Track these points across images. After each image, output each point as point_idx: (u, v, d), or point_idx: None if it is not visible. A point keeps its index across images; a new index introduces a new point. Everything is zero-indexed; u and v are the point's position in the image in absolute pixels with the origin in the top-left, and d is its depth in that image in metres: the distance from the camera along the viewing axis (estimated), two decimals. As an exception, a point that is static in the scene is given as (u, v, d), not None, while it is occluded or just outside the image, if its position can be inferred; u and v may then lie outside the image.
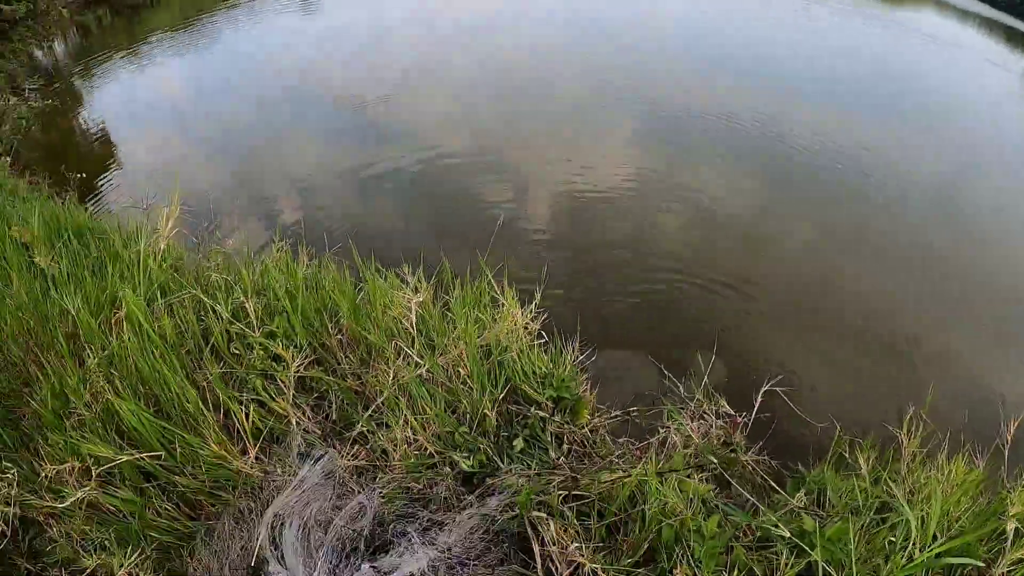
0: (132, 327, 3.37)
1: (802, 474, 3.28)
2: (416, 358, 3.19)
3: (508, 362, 3.38)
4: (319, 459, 2.93)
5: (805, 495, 2.93)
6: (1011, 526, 2.53)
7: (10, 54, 11.09)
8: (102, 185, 8.12)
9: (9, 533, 2.82)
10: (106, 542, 2.74)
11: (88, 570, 2.65)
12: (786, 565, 2.39)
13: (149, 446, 2.95)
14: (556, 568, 2.49)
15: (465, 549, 2.67)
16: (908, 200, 7.81)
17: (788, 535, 2.49)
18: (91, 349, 3.38)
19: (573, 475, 2.85)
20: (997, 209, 7.91)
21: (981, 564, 2.47)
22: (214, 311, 3.49)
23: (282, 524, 2.68)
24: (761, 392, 3.21)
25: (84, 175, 7.60)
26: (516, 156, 8.57)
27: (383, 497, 2.83)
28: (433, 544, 2.65)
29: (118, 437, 3.03)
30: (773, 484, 3.05)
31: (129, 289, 3.66)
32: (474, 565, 2.65)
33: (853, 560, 2.32)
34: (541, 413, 3.21)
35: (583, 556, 2.49)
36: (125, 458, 2.86)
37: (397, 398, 3.10)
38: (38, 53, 12.33)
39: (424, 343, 3.36)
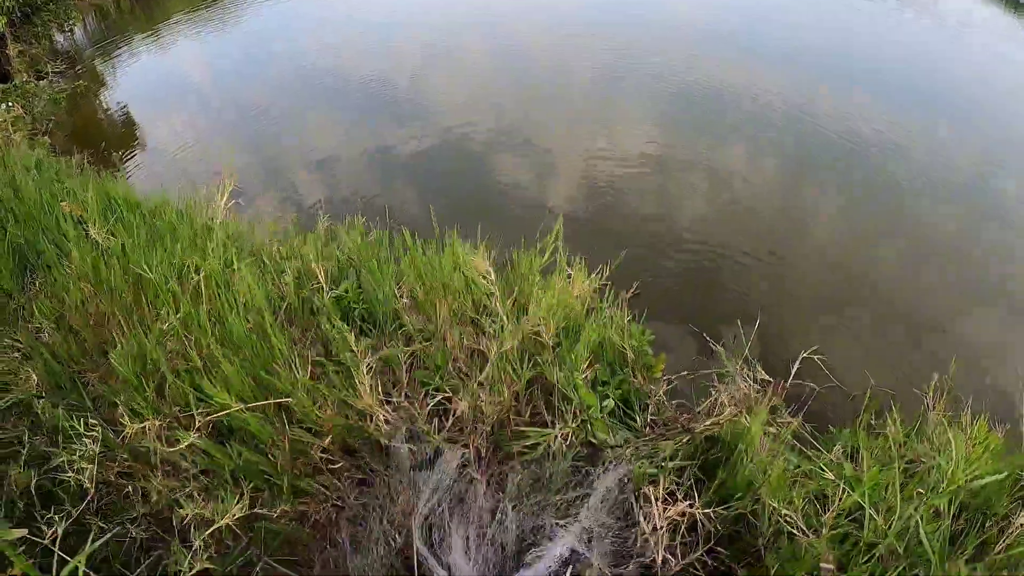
0: (211, 291, 3.54)
1: (834, 434, 3.46)
2: (507, 322, 3.33)
3: (588, 325, 3.51)
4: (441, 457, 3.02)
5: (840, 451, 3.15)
6: None
7: (33, 38, 11.22)
8: (132, 163, 8.25)
9: (93, 491, 2.89)
10: (194, 493, 2.86)
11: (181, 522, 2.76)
12: (838, 499, 2.64)
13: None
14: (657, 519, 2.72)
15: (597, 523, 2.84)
16: (941, 186, 7.77)
17: (835, 478, 2.74)
18: (170, 310, 3.55)
19: (687, 430, 3.04)
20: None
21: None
22: (280, 276, 3.65)
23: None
24: (799, 360, 3.36)
25: (122, 153, 7.77)
26: (544, 136, 8.62)
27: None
28: (575, 522, 2.80)
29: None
30: (812, 440, 3.25)
31: (199, 257, 3.82)
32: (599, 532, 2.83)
33: (898, 495, 2.56)
34: (630, 376, 3.36)
35: (694, 508, 2.73)
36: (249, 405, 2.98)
37: (504, 361, 3.22)
38: (59, 37, 12.42)
39: (510, 308, 3.49)
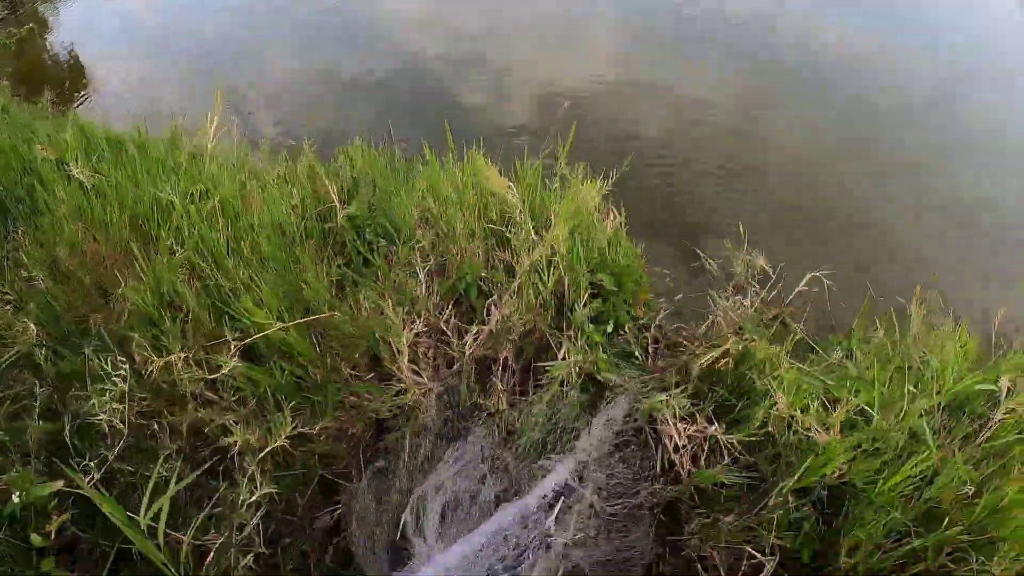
0: (227, 215, 3.51)
1: (830, 341, 3.64)
2: (532, 234, 3.37)
3: (591, 241, 3.60)
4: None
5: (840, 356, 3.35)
6: (1004, 383, 3.08)
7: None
8: (89, 104, 8.00)
9: (126, 431, 2.86)
10: (232, 420, 2.84)
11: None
12: (846, 399, 2.85)
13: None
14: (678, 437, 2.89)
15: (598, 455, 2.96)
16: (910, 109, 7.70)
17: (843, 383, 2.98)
18: (184, 237, 3.53)
19: (684, 363, 3.18)
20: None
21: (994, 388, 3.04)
22: (287, 199, 3.64)
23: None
24: (803, 282, 3.48)
25: (81, 94, 7.52)
26: (502, 59, 8.61)
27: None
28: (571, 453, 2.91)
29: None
30: (812, 344, 3.44)
31: (202, 183, 3.77)
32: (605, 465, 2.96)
33: (907, 393, 2.79)
34: (626, 304, 3.49)
35: (715, 429, 2.88)
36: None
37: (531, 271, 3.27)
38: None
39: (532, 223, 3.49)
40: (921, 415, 2.89)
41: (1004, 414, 3.02)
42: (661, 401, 2.97)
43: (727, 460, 2.85)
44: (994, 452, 2.93)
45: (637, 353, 3.41)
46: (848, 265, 5.24)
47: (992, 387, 3.07)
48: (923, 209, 6.11)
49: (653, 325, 3.53)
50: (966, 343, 3.45)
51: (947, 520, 2.54)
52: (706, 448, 2.92)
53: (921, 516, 2.65)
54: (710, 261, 3.78)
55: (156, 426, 3.00)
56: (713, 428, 2.89)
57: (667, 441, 2.90)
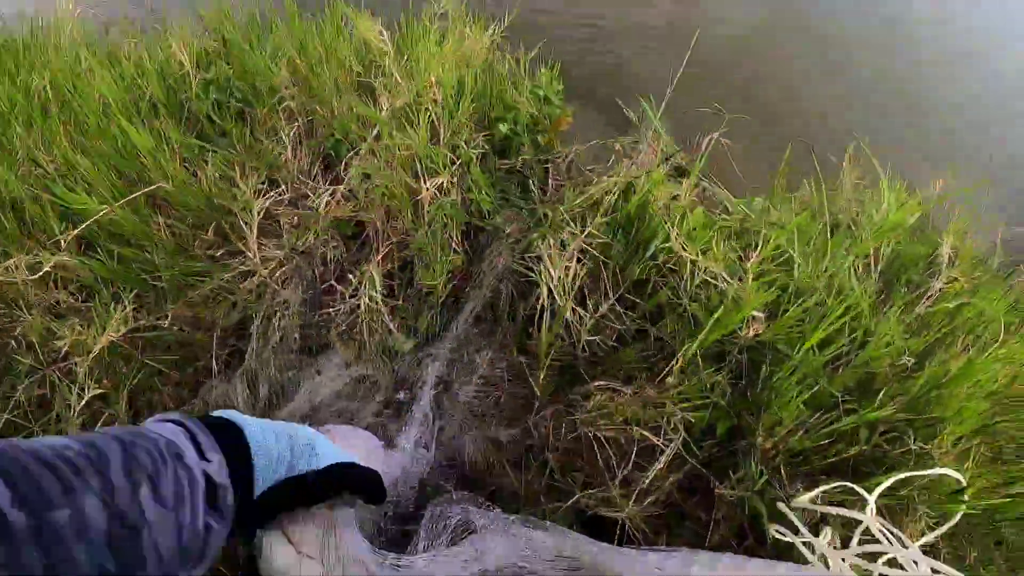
0: (61, 97, 3.13)
1: (747, 200, 3.32)
2: (400, 81, 2.94)
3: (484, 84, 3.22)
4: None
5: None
6: (946, 250, 2.92)
7: None
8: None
9: None
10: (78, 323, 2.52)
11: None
12: (762, 243, 2.55)
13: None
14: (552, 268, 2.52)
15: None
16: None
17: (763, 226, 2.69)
18: (22, 133, 3.09)
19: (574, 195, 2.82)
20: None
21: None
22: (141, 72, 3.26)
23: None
24: (708, 140, 3.17)
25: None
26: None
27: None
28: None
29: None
30: (729, 195, 3.13)
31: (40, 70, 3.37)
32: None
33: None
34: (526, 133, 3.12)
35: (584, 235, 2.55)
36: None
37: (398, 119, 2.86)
38: None
39: (403, 69, 3.06)
40: (850, 273, 2.63)
41: (946, 283, 2.83)
42: (540, 233, 2.64)
43: (612, 299, 2.54)
44: (934, 323, 2.70)
45: (532, 187, 3.06)
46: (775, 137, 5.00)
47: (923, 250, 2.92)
48: (866, 90, 5.83)
49: (561, 159, 3.20)
50: (905, 202, 3.18)
51: (882, 392, 2.27)
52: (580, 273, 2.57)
53: (853, 388, 2.38)
54: (629, 110, 3.46)
55: (13, 342, 2.65)
56: (585, 233, 2.55)
57: (544, 278, 2.53)
